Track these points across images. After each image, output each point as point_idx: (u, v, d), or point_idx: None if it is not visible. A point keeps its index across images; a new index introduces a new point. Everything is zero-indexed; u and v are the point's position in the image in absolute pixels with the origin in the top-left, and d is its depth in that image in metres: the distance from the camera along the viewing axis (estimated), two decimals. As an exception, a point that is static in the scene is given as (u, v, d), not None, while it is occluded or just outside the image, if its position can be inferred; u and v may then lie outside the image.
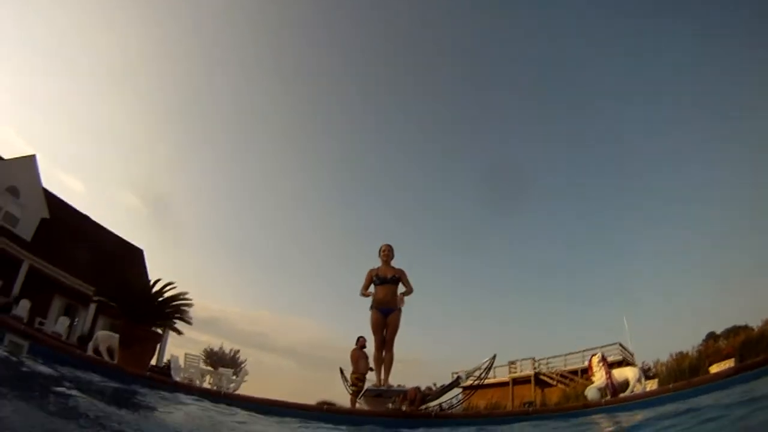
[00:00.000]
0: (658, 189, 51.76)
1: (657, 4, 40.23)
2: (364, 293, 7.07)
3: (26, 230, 21.85)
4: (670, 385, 7.06)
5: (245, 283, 59.14)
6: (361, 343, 11.07)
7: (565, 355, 29.26)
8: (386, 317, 6.95)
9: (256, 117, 58.53)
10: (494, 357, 12.01)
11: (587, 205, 58.39)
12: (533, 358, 30.81)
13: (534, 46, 51.63)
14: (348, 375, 11.38)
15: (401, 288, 7.14)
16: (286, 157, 62.94)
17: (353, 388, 10.59)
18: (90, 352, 11.14)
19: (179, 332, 8.21)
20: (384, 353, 6.98)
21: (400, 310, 7.02)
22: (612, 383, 11.15)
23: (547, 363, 30.14)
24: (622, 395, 10.45)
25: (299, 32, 53.67)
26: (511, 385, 30.77)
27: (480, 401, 24.50)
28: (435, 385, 13.91)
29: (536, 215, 59.67)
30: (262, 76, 56.23)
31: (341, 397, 11.69)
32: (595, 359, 11.89)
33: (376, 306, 6.97)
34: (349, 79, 57.86)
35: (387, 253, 7.29)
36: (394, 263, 7.30)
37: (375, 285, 7.04)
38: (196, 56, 53.80)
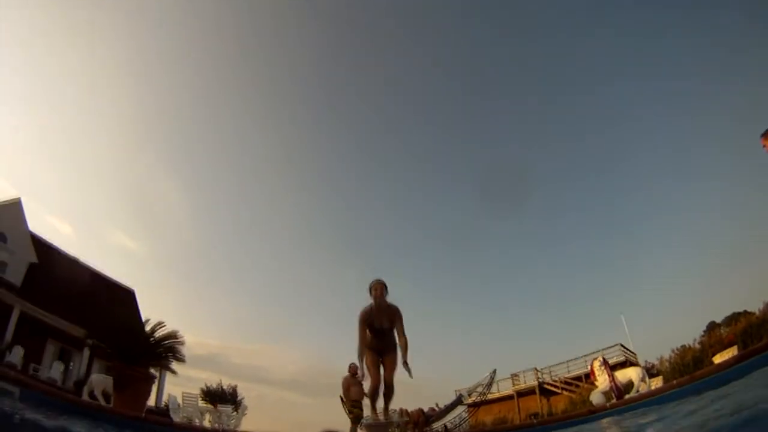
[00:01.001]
0: (650, 185, 52.18)
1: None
2: (361, 358, 6.21)
3: (15, 276, 21.57)
4: (674, 381, 7.00)
5: (240, 318, 58.60)
6: (352, 370, 10.82)
7: (567, 361, 29.10)
8: (382, 356, 6.41)
9: (246, 151, 58.70)
10: (494, 372, 11.94)
11: (578, 211, 58.63)
12: (535, 368, 30.52)
13: (530, 46, 52.07)
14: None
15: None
16: (273, 186, 62.98)
17: (351, 416, 10.40)
18: (85, 396, 10.94)
19: (173, 372, 8.10)
20: (384, 389, 6.43)
21: (396, 347, 6.30)
22: (616, 385, 11.08)
23: (550, 372, 29.94)
24: (627, 396, 10.38)
25: (289, 44, 53.92)
26: (516, 398, 30.50)
27: (487, 417, 24.35)
28: (438, 405, 13.73)
29: (527, 223, 59.67)
30: (249, 102, 56.42)
31: (345, 424, 11.50)
32: (596, 363, 11.83)
33: (370, 346, 6.32)
34: (341, 89, 58.18)
35: (380, 292, 6.15)
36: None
37: (369, 333, 6.28)
38: (182, 92, 53.89)
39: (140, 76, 50.07)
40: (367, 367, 6.31)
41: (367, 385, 6.68)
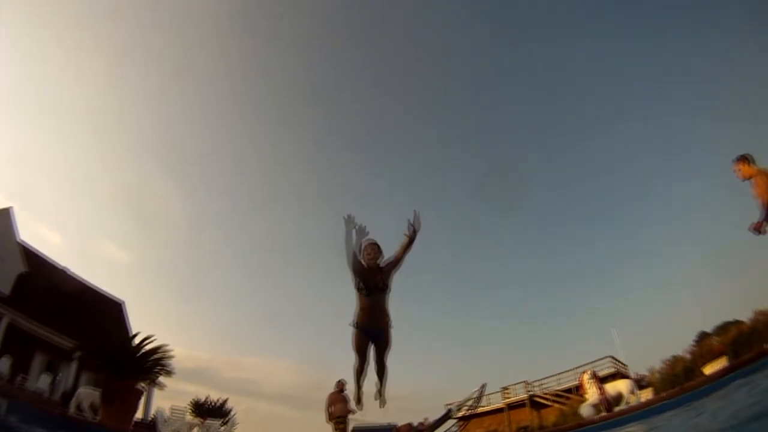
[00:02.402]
0: (639, 198, 52.29)
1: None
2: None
3: (4, 285, 21.34)
4: (663, 394, 7.08)
5: (230, 331, 58.20)
6: (340, 386, 10.85)
7: (558, 374, 29.13)
8: (373, 340, 5.51)
9: (235, 158, 58.46)
10: (484, 385, 11.93)
11: (571, 217, 58.74)
12: (526, 381, 30.51)
13: (529, 48, 52.28)
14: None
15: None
16: (264, 196, 62.81)
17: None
18: (73, 409, 10.85)
19: (161, 386, 8.06)
20: (375, 367, 5.76)
21: (390, 325, 5.46)
22: (606, 398, 11.11)
23: (541, 384, 29.94)
24: (617, 409, 10.42)
25: (284, 47, 53.80)
26: (506, 411, 30.47)
27: (477, 430, 24.27)
28: (426, 419, 13.79)
29: (517, 229, 59.60)
30: (242, 103, 56.26)
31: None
32: (586, 376, 11.86)
33: (360, 324, 5.35)
34: (334, 90, 58.02)
35: (373, 254, 5.30)
36: None
37: (360, 295, 5.24)
38: (175, 104, 53.80)
39: (132, 78, 49.89)
40: (354, 349, 5.52)
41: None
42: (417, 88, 57.05)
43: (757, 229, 5.98)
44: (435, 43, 53.02)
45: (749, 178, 6.15)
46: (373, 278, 5.18)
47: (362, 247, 5.31)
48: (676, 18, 40.06)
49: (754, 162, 6.20)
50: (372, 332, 5.41)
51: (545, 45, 50.63)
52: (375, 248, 5.31)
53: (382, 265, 5.27)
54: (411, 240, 5.29)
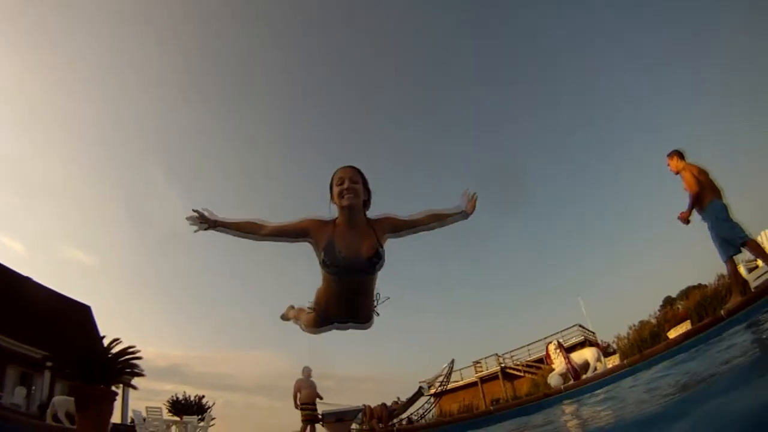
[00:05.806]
0: (604, 165, 52.53)
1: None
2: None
3: (-31, 301, 20.84)
4: (625, 361, 7.43)
5: (202, 326, 57.39)
6: (306, 373, 11.00)
7: (528, 345, 29.79)
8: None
9: (202, 156, 57.26)
10: (452, 362, 12.18)
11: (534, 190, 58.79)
12: (496, 354, 31.15)
13: (524, 43, 51.78)
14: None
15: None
16: (236, 189, 61.78)
17: (303, 418, 10.59)
18: (49, 419, 10.79)
19: (134, 387, 8.09)
20: None
21: (372, 320, 3.14)
22: (572, 367, 11.49)
23: (512, 356, 30.59)
24: (584, 377, 10.80)
25: (269, 47, 52.60)
26: (479, 384, 31.15)
27: (452, 405, 24.71)
28: (399, 399, 14.09)
29: (482, 201, 59.21)
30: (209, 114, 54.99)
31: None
32: (551, 347, 12.24)
33: (324, 315, 3.03)
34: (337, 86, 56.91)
35: (349, 185, 2.60)
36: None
37: (326, 274, 2.74)
38: (131, 108, 52.28)
39: (97, 79, 48.22)
40: (303, 325, 3.33)
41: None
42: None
43: (681, 218, 6.44)
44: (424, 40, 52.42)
45: (678, 172, 6.60)
46: (347, 242, 2.64)
47: (333, 179, 2.70)
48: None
49: (683, 157, 6.67)
50: (342, 325, 3.11)
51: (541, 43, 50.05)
52: (354, 173, 2.70)
53: (372, 216, 2.81)
54: (459, 218, 3.15)
